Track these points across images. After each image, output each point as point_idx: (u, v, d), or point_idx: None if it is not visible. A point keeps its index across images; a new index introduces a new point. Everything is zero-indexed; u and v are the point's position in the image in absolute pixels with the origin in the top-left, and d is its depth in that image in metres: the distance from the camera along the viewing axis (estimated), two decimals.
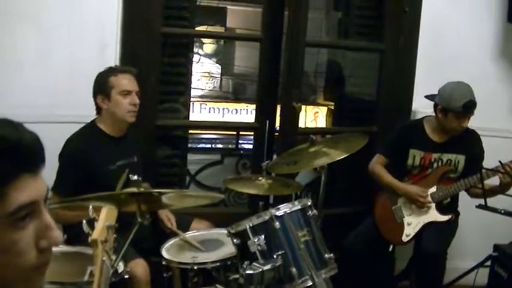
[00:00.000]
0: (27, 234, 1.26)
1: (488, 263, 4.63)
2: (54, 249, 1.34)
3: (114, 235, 1.99)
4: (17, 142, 1.23)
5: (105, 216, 1.95)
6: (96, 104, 3.97)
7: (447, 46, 5.23)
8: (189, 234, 3.95)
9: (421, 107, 4.93)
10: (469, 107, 4.29)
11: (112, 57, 4.46)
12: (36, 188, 1.26)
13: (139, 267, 3.62)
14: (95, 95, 3.96)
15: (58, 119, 4.17)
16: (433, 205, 4.49)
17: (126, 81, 3.97)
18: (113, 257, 2.86)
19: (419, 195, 4.46)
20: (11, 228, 1.23)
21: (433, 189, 4.50)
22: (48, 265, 1.33)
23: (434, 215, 4.49)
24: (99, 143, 3.95)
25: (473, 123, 4.47)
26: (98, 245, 1.83)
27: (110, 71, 3.99)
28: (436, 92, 4.44)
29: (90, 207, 2.05)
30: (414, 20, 5.15)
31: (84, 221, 1.91)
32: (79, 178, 3.78)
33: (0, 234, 1.22)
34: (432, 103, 4.47)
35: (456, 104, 4.29)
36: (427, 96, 4.56)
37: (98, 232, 1.86)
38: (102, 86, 3.94)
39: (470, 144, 4.54)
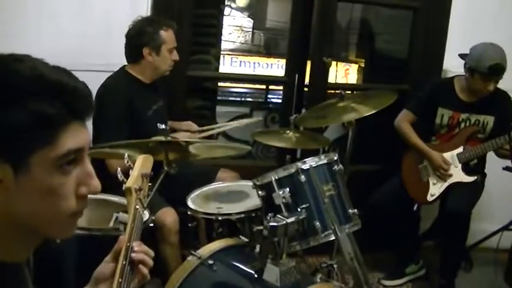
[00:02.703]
0: (71, 180, 1.32)
1: None
2: None
3: (149, 183, 1.99)
4: (73, 88, 1.29)
5: (141, 164, 1.95)
6: (140, 53, 3.92)
7: (483, 5, 5.13)
8: (214, 185, 3.98)
9: (453, 66, 4.86)
10: (496, 69, 4.23)
11: (144, 7, 4.45)
12: (83, 136, 1.32)
13: (169, 215, 3.67)
14: (140, 46, 3.91)
15: (90, 67, 4.15)
16: (460, 165, 4.48)
17: (173, 37, 3.99)
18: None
19: (441, 167, 4.46)
20: (58, 172, 1.28)
21: (460, 149, 4.48)
22: (82, 212, 1.39)
23: (460, 176, 4.48)
24: (135, 89, 3.95)
25: (505, 85, 4.43)
26: (132, 193, 1.84)
27: (159, 24, 3.95)
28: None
29: (126, 155, 2.05)
30: None
31: (119, 169, 1.92)
32: (128, 126, 3.80)
33: (49, 176, 1.27)
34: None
35: (483, 65, 4.23)
36: (460, 55, 4.50)
37: (132, 180, 1.86)
38: (152, 38, 3.91)
39: (500, 106, 4.49)
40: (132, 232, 1.73)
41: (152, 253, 1.74)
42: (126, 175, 1.90)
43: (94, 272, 1.69)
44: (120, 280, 1.60)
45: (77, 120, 1.30)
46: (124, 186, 1.85)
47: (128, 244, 1.67)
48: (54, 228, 1.35)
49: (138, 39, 3.92)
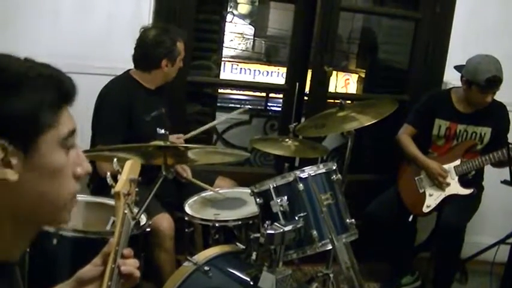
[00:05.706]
0: (70, 161, 1.37)
1: (510, 240, 4.60)
2: (78, 198, 1.43)
3: (137, 189, 1.99)
4: (61, 78, 1.36)
5: (129, 169, 1.95)
6: (158, 64, 3.93)
7: (484, 18, 5.13)
8: (212, 191, 3.98)
9: (453, 79, 4.84)
10: (493, 81, 4.23)
11: (146, 11, 4.44)
12: (72, 119, 1.38)
13: (164, 221, 3.66)
14: (160, 57, 3.91)
15: (92, 70, 4.17)
16: (456, 178, 4.48)
17: (183, 47, 4.02)
18: (135, 210, 2.91)
19: (439, 175, 4.45)
20: (63, 151, 1.34)
21: (457, 162, 4.49)
22: (77, 197, 1.43)
23: (456, 188, 4.48)
24: (136, 94, 3.95)
25: (503, 98, 4.43)
26: (121, 198, 1.84)
27: (175, 35, 3.97)
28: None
29: (115, 159, 2.06)
30: None
31: (108, 173, 1.92)
32: (124, 129, 3.81)
33: (55, 156, 1.32)
34: None
35: (480, 78, 4.23)
36: (456, 67, 4.51)
37: (121, 185, 1.86)
38: (171, 51, 3.93)
39: (497, 117, 4.52)
40: (120, 236, 1.75)
41: (138, 263, 1.76)
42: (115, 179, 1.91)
43: (77, 273, 1.70)
44: (109, 283, 1.64)
45: (68, 105, 1.37)
46: (113, 191, 1.86)
47: (117, 248, 1.70)
48: (56, 212, 1.38)
49: (158, 50, 3.91)
